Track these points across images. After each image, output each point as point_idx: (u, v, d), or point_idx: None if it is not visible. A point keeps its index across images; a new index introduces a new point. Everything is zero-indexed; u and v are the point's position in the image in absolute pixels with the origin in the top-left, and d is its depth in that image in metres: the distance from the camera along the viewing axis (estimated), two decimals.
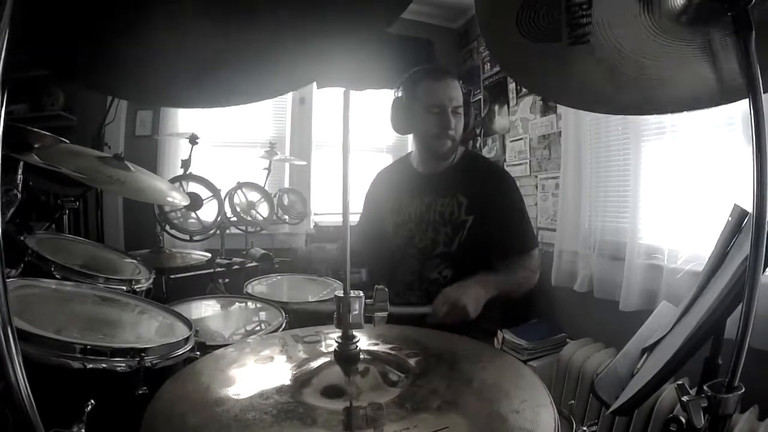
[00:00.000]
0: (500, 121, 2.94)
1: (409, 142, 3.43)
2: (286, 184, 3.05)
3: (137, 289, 1.30)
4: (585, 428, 0.77)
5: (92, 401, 0.67)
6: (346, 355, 0.60)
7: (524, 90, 2.70)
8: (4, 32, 0.36)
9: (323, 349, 0.69)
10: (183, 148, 2.50)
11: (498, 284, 1.20)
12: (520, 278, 1.27)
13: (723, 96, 0.66)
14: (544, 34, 0.62)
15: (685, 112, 0.77)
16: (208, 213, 2.24)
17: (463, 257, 1.30)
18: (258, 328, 1.41)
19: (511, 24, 0.62)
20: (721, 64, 0.62)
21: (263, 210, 2.44)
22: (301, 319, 1.40)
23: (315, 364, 0.62)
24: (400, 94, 1.35)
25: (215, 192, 2.22)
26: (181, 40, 0.47)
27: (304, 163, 2.94)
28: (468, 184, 1.32)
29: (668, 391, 1.51)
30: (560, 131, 2.35)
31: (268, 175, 2.55)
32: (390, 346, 0.69)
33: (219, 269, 2.06)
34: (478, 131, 3.16)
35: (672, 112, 0.81)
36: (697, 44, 0.61)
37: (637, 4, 0.59)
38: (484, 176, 1.35)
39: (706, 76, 0.65)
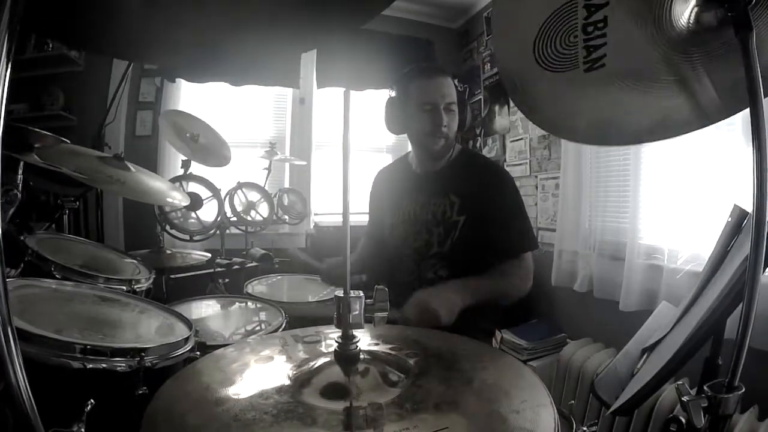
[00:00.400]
0: (500, 121, 2.94)
1: (409, 142, 3.43)
2: (286, 184, 3.05)
3: (137, 289, 1.30)
4: (585, 428, 0.77)
5: (92, 401, 0.67)
6: (346, 355, 0.60)
7: None
8: (5, 33, 0.36)
9: (323, 349, 0.69)
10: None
11: (478, 291, 1.15)
12: (507, 286, 1.23)
13: (701, 121, 0.68)
14: (562, 61, 0.64)
15: (658, 141, 0.80)
16: (208, 213, 2.24)
17: (457, 257, 1.29)
18: (258, 328, 1.41)
19: (529, 57, 0.63)
20: (694, 92, 0.64)
21: (263, 210, 2.44)
22: (301, 321, 1.41)
23: (315, 364, 0.62)
24: (393, 93, 1.35)
25: (215, 192, 2.22)
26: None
27: (304, 163, 2.94)
28: (463, 182, 1.31)
29: (668, 391, 1.51)
30: None
31: (268, 175, 2.55)
32: (390, 346, 0.69)
33: (219, 269, 2.07)
34: (478, 131, 3.16)
35: (640, 142, 0.86)
36: (664, 77, 0.64)
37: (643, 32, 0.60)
38: (482, 174, 1.34)
39: (678, 105, 0.67)
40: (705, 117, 0.68)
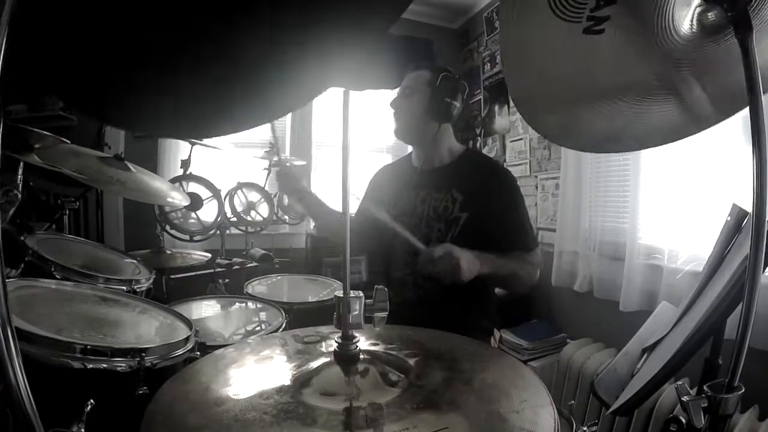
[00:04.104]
0: (500, 121, 2.94)
1: None
2: None
3: (137, 289, 1.30)
4: (585, 428, 0.77)
5: (92, 401, 0.67)
6: (346, 356, 0.60)
7: None
8: (4, 32, 0.36)
9: (323, 349, 0.70)
10: (183, 149, 2.50)
11: (495, 263, 1.18)
12: (519, 268, 1.24)
13: (695, 126, 0.68)
14: (570, 12, 0.61)
15: (654, 147, 0.79)
16: (208, 213, 2.24)
17: None
18: (258, 328, 1.41)
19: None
20: (684, 97, 0.64)
21: (263, 210, 2.44)
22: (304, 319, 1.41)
23: (315, 364, 0.62)
24: None
25: (215, 192, 2.22)
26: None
27: (304, 162, 2.94)
28: (465, 180, 1.32)
29: (668, 391, 1.51)
30: None
31: (268, 175, 2.55)
32: (390, 346, 0.69)
33: (219, 269, 2.06)
34: (478, 131, 3.16)
35: (639, 148, 0.84)
36: (655, 82, 0.64)
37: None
38: (483, 174, 1.34)
39: (668, 111, 0.67)
40: (697, 122, 0.68)
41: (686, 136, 0.70)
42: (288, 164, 1.57)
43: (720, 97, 0.63)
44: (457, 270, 1.08)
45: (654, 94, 0.65)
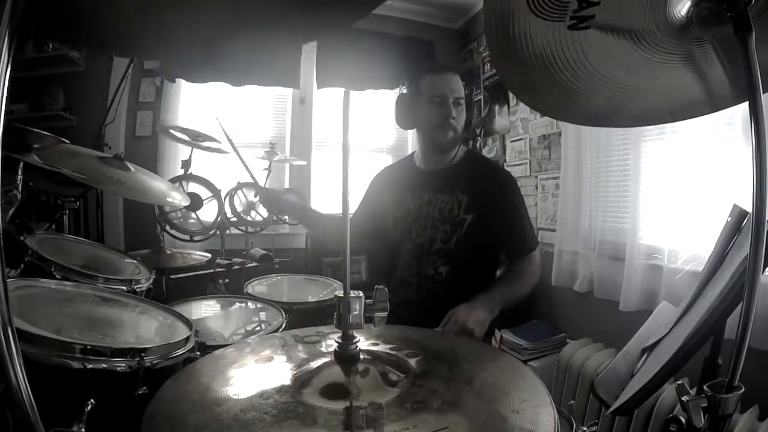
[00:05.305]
0: (500, 121, 2.94)
1: (409, 143, 3.42)
2: (287, 185, 3.05)
3: (137, 290, 1.31)
4: (585, 428, 0.77)
5: (92, 401, 0.67)
6: (346, 355, 0.60)
7: None
8: (4, 33, 0.36)
9: (323, 349, 0.69)
10: (183, 149, 2.50)
11: (502, 300, 1.21)
12: (522, 287, 1.27)
13: (711, 105, 0.67)
14: (553, 10, 0.59)
15: (669, 123, 0.77)
16: (208, 213, 2.24)
17: (460, 255, 1.30)
18: (258, 328, 1.41)
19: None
20: (705, 74, 0.63)
21: (263, 210, 2.44)
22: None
23: (315, 364, 0.62)
24: (404, 90, 1.38)
25: (215, 192, 2.23)
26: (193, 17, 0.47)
27: (304, 163, 2.94)
28: (469, 182, 1.33)
29: (668, 391, 1.51)
30: (560, 131, 2.35)
31: (268, 175, 2.55)
32: (390, 346, 0.69)
33: (219, 269, 2.07)
34: (478, 131, 3.16)
35: (653, 123, 0.80)
36: (677, 55, 0.62)
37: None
38: (486, 176, 1.36)
39: (688, 85, 0.65)
40: (713, 102, 0.66)
41: (699, 115, 0.68)
42: (264, 186, 1.60)
43: (741, 79, 0.61)
44: (469, 332, 1.05)
45: (666, 65, 0.63)
